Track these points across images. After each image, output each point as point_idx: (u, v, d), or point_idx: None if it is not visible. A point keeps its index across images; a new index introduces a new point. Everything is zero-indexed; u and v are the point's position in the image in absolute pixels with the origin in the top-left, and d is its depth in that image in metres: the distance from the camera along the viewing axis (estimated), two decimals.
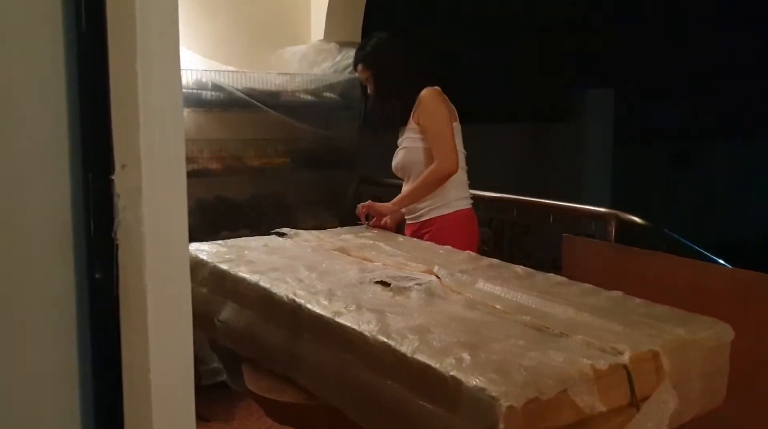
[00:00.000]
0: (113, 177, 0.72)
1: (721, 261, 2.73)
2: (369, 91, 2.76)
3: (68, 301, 0.74)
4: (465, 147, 2.71)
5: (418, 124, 2.64)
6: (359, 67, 2.74)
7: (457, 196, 2.67)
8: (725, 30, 10.35)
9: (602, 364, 1.29)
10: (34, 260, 0.72)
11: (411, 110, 2.67)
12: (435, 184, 2.60)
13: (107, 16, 0.66)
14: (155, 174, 0.75)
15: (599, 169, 8.37)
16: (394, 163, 2.77)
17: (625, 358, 1.33)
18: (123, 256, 0.74)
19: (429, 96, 2.64)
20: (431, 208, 2.66)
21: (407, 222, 2.76)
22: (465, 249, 2.54)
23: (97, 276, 0.74)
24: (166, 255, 0.78)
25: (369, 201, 2.77)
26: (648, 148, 10.02)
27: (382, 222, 2.70)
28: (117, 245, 0.73)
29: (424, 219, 2.67)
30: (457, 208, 2.67)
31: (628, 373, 1.34)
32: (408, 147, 2.67)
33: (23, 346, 0.72)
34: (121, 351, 0.77)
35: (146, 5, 0.66)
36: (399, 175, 2.79)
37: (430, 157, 2.61)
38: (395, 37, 2.78)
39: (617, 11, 9.41)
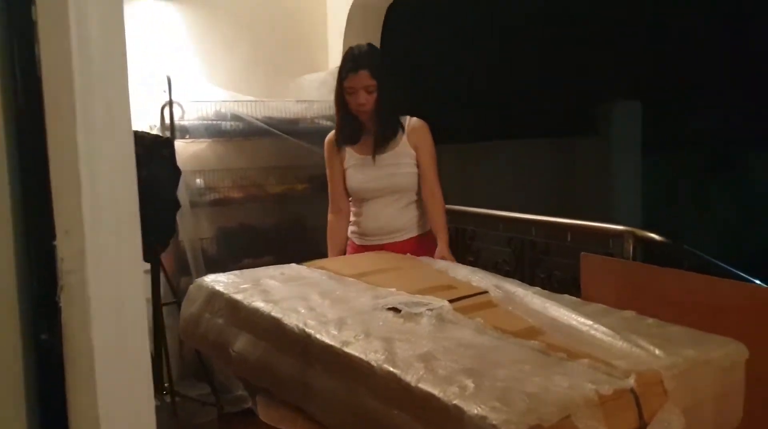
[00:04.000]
0: (56, 242, 0.75)
1: (757, 280, 2.67)
2: (359, 102, 2.57)
3: (15, 362, 0.77)
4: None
5: (415, 150, 2.66)
6: (364, 73, 2.54)
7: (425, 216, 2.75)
8: (757, 30, 10.17)
9: (607, 389, 1.28)
10: None
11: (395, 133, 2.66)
12: None
13: (44, 91, 0.70)
14: (103, 238, 0.77)
15: (628, 183, 8.28)
16: (380, 183, 2.66)
17: (631, 382, 1.32)
18: (67, 318, 0.76)
19: (426, 126, 2.71)
20: (411, 226, 2.70)
21: (370, 243, 2.72)
22: None
23: (42, 337, 0.77)
24: (118, 315, 0.80)
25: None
26: (679, 159, 9.86)
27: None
28: (60, 308, 0.76)
29: (405, 238, 2.69)
30: (428, 228, 2.73)
31: (636, 397, 1.33)
32: (408, 172, 2.66)
33: None
34: (68, 411, 0.78)
35: (88, 83, 0.69)
36: (375, 194, 2.67)
37: (418, 184, 2.69)
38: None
39: (640, 18, 9.33)
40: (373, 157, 2.64)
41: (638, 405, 1.32)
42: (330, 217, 2.81)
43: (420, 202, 2.72)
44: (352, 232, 2.79)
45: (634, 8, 9.16)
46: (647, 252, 2.78)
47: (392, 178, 2.66)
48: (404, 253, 2.58)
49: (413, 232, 2.71)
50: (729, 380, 1.51)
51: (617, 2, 9.20)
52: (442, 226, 2.65)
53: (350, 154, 2.71)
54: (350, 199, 2.79)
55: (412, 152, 2.66)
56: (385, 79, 2.58)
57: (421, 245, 2.67)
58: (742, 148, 10.64)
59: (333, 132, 2.75)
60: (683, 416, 1.38)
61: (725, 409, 1.51)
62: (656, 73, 9.11)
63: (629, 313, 1.75)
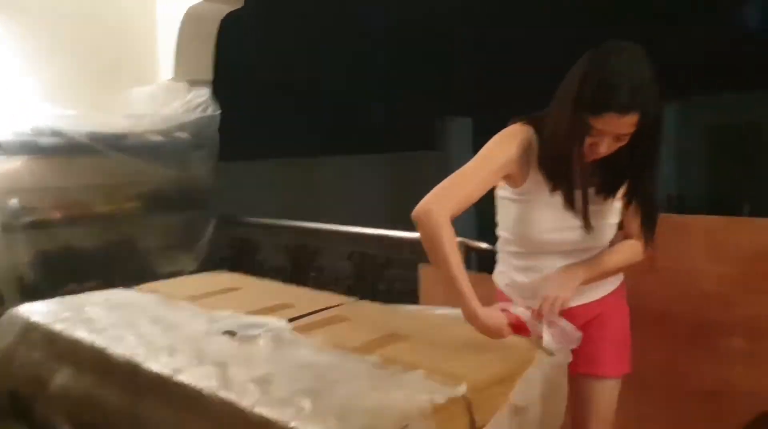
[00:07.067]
0: None
1: None
2: (599, 151, 1.59)
3: None
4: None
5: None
6: (631, 118, 1.52)
7: None
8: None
9: (440, 398, 1.30)
10: None
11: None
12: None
13: None
14: None
15: None
16: (579, 237, 1.72)
17: (463, 389, 1.36)
18: None
19: None
20: (604, 281, 1.83)
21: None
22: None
23: None
24: None
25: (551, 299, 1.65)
26: None
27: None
28: None
29: (593, 300, 1.82)
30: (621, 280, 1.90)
31: (468, 403, 1.36)
32: (614, 224, 1.79)
33: None
34: None
35: None
36: (560, 248, 1.75)
37: None
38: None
39: (469, 43, 9.85)
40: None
41: (470, 411, 1.36)
42: (441, 218, 1.73)
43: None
44: (508, 286, 1.89)
45: (464, 35, 9.67)
46: (482, 260, 2.89)
47: (596, 235, 1.74)
48: (596, 315, 1.82)
49: (607, 289, 1.85)
50: (554, 383, 1.59)
51: (446, 29, 9.66)
52: (617, 260, 1.79)
53: (538, 182, 1.71)
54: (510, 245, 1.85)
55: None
56: (653, 121, 1.55)
57: (618, 302, 1.88)
58: None
59: (529, 130, 1.73)
60: (515, 416, 1.44)
61: (551, 411, 1.59)
62: (483, 92, 9.63)
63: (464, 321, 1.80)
